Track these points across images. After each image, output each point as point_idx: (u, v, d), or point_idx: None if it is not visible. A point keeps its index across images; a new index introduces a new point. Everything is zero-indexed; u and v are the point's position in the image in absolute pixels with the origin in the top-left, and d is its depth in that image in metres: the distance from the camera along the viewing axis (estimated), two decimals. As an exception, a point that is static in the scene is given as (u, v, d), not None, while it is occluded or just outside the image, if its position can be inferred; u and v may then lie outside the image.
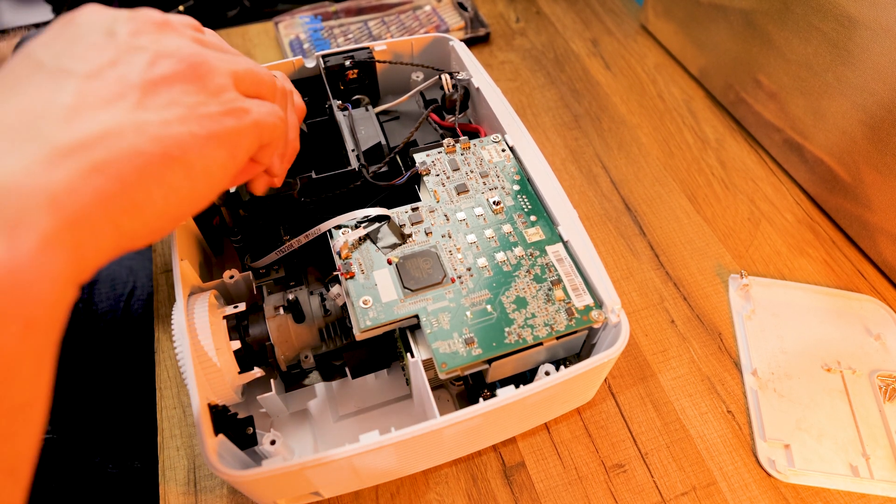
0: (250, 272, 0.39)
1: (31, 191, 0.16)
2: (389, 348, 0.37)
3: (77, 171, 0.18)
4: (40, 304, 0.16)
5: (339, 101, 0.45)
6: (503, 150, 0.43)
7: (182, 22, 0.26)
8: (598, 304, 0.35)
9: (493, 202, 0.39)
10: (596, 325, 0.35)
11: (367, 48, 0.48)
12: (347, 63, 0.47)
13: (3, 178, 0.16)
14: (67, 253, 0.17)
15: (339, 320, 0.37)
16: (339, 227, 0.38)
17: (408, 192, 0.42)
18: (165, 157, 0.21)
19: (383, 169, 0.42)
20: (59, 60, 0.20)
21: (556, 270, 0.36)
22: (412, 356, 0.35)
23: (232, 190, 0.40)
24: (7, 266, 0.15)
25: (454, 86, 0.47)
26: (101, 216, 0.18)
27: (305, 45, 0.66)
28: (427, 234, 0.38)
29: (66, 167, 0.17)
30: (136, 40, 0.22)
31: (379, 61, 0.48)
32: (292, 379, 0.41)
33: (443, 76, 0.47)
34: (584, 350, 0.38)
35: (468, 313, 0.35)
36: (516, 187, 0.41)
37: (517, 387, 0.32)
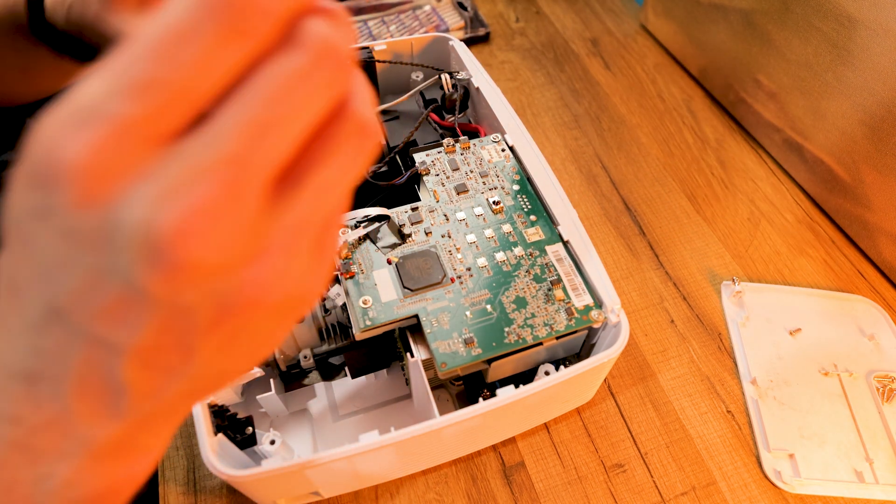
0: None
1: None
2: (389, 348, 0.37)
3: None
4: (139, 483, 0.18)
5: (339, 101, 0.45)
6: (503, 150, 0.43)
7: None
8: (598, 303, 0.35)
9: (493, 202, 0.39)
10: (596, 325, 0.35)
11: (367, 48, 0.48)
12: (347, 63, 0.46)
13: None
14: (138, 452, 0.18)
15: (339, 320, 0.37)
16: (338, 226, 0.38)
17: (408, 192, 0.42)
18: (229, 377, 0.18)
19: (383, 169, 0.42)
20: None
21: (555, 270, 0.36)
22: (412, 356, 0.35)
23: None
24: (115, 482, 0.18)
25: (454, 85, 0.47)
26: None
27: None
28: (427, 233, 0.38)
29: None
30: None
31: (379, 61, 0.48)
32: (292, 379, 0.41)
33: (443, 76, 0.47)
34: (583, 350, 0.38)
35: (468, 313, 0.35)
36: (516, 187, 0.41)
37: (517, 387, 0.32)
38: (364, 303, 0.35)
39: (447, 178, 0.41)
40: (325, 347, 0.37)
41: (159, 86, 0.12)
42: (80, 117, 0.12)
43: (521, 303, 0.35)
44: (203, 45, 0.12)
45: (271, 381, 0.37)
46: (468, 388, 0.38)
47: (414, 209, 0.39)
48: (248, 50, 0.13)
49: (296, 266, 0.15)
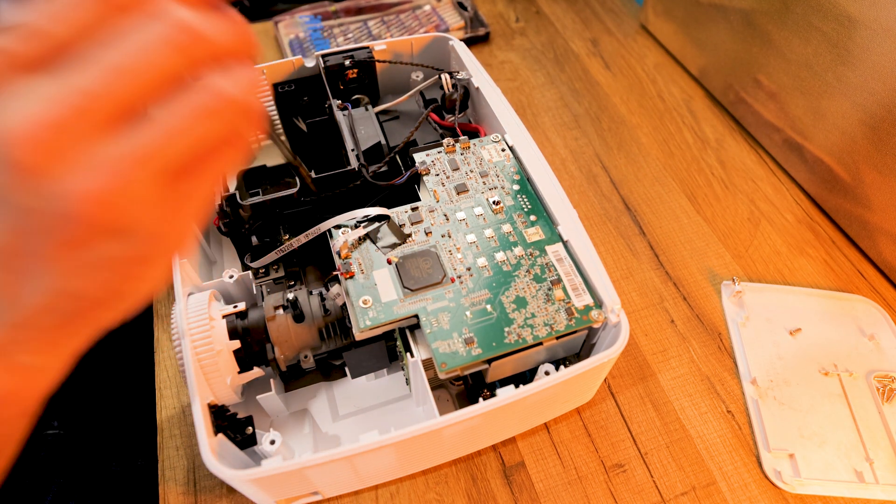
0: (250, 272, 0.39)
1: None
2: (389, 348, 0.37)
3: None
4: (21, 404, 0.20)
5: (339, 101, 0.45)
6: (503, 150, 0.43)
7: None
8: (598, 303, 0.35)
9: (493, 202, 0.39)
10: (596, 325, 0.35)
11: (367, 48, 0.48)
12: (347, 63, 0.47)
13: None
14: (18, 368, 0.19)
15: (339, 320, 0.37)
16: (338, 226, 0.38)
17: (408, 192, 0.42)
18: (98, 307, 0.20)
19: (383, 169, 0.42)
20: None
21: (555, 270, 0.36)
22: (412, 356, 0.35)
23: (231, 190, 0.40)
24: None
25: (454, 85, 0.47)
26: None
27: (305, 45, 0.66)
28: (427, 233, 0.38)
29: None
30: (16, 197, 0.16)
31: (379, 61, 0.48)
32: (292, 379, 0.41)
33: (442, 76, 0.47)
34: (583, 350, 0.38)
35: (468, 313, 0.35)
36: (516, 187, 0.41)
37: (517, 387, 0.32)
38: (364, 303, 0.35)
39: (447, 178, 0.41)
40: (325, 347, 0.37)
41: (34, 30, 0.16)
42: None
43: (521, 303, 0.35)
44: (77, 6, 0.16)
45: (271, 381, 0.37)
46: (468, 387, 0.38)
47: (414, 209, 0.39)
48: (112, 16, 0.16)
49: (132, 193, 0.17)
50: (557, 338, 0.34)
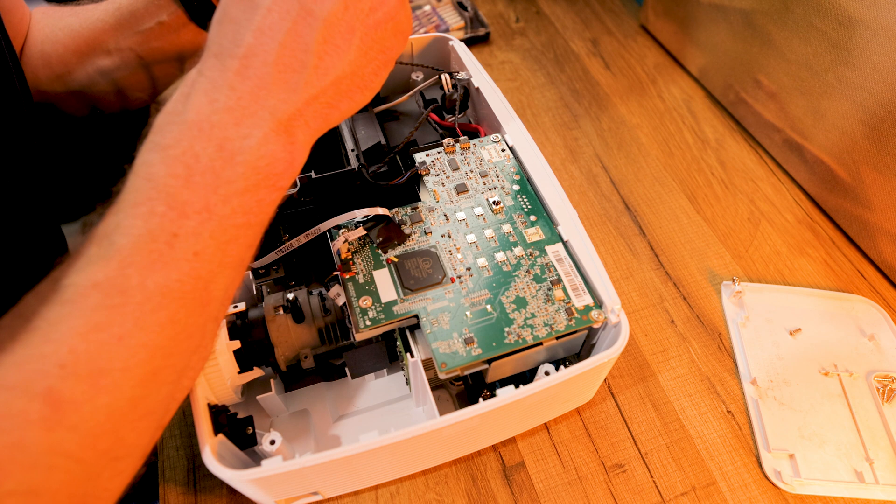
0: (250, 272, 0.39)
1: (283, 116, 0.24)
2: (389, 348, 0.37)
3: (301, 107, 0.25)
4: (290, 179, 0.26)
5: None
6: (503, 150, 0.43)
7: None
8: (598, 304, 0.35)
9: (493, 202, 0.39)
10: (596, 325, 0.35)
11: (367, 48, 0.48)
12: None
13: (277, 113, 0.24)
14: (296, 145, 0.25)
15: (339, 320, 0.37)
16: (339, 227, 0.38)
17: (408, 192, 0.42)
18: (359, 89, 0.27)
19: (383, 169, 0.42)
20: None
21: (555, 270, 0.36)
22: (412, 356, 0.35)
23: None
24: (283, 158, 0.25)
25: (454, 85, 0.47)
26: (312, 125, 0.26)
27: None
28: (427, 233, 0.38)
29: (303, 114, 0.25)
30: None
31: (379, 61, 0.48)
32: (292, 379, 0.41)
33: (443, 76, 0.47)
34: (583, 350, 0.38)
35: (468, 313, 0.35)
36: (516, 187, 0.41)
37: (517, 387, 0.32)
38: (364, 303, 0.35)
39: (447, 178, 0.41)
40: (324, 348, 0.37)
41: None
42: None
43: (521, 303, 0.35)
44: None
45: (271, 381, 0.37)
46: (468, 388, 0.38)
47: (414, 209, 0.39)
48: None
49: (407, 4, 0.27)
50: (557, 338, 0.34)
